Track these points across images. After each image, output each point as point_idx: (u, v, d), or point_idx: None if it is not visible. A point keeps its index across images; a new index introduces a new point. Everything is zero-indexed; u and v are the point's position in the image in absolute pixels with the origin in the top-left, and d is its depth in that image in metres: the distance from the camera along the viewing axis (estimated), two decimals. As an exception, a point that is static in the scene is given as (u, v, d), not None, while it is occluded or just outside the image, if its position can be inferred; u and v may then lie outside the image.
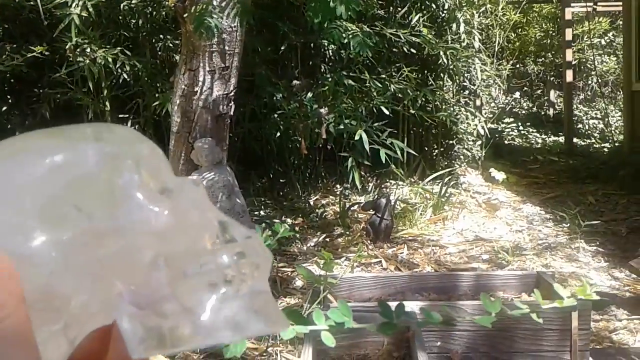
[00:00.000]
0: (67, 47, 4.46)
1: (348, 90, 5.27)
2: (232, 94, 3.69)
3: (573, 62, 9.71)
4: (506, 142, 9.41)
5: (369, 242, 4.26)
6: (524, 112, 11.80)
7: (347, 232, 4.51)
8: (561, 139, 9.47)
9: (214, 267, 0.29)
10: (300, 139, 5.09)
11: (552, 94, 11.69)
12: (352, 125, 4.98)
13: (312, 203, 5.48)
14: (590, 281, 3.52)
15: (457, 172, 6.22)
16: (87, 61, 4.51)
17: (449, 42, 6.08)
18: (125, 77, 4.90)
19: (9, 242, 0.26)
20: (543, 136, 10.06)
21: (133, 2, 4.84)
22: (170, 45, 5.13)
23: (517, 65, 11.28)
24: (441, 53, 5.77)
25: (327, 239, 4.40)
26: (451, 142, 6.55)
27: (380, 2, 5.97)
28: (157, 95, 4.84)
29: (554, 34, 11.39)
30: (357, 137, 4.73)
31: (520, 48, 11.00)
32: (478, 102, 7.23)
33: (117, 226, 0.28)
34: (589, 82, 11.48)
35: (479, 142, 6.64)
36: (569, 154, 8.42)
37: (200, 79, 3.56)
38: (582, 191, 6.02)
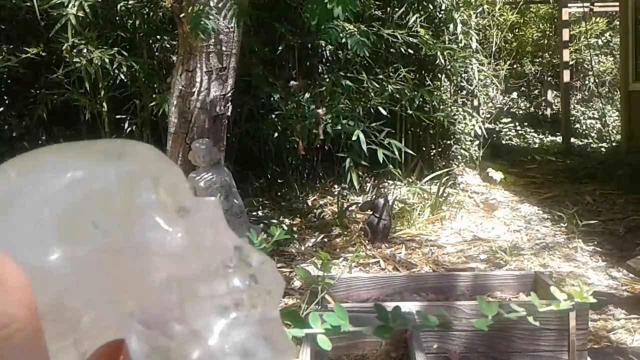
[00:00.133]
0: (63, 47, 4.45)
1: (345, 90, 5.27)
2: (230, 94, 3.68)
3: (570, 63, 9.72)
4: (504, 142, 9.41)
5: (366, 242, 4.25)
6: (521, 112, 11.81)
7: (345, 233, 4.50)
8: (559, 139, 9.49)
9: (226, 290, 0.29)
10: (297, 140, 5.09)
11: (550, 94, 11.71)
12: (349, 125, 4.98)
13: (309, 203, 5.47)
14: (588, 281, 3.52)
15: (455, 172, 6.22)
16: (84, 62, 4.51)
17: (447, 42, 6.08)
18: (122, 77, 4.89)
19: (25, 255, 0.26)
20: (540, 136, 10.07)
21: (130, 2, 4.83)
22: (167, 45, 5.12)
23: (515, 66, 11.29)
24: (438, 53, 5.77)
25: (325, 240, 4.40)
26: (449, 142, 6.55)
27: (377, 3, 5.97)
28: (154, 96, 4.84)
29: (551, 34, 11.41)
30: (354, 138, 4.73)
31: (517, 48, 11.02)
32: (475, 103, 7.24)
33: (131, 245, 0.28)
34: (586, 82, 11.50)
35: (477, 142, 6.65)
36: (566, 154, 8.43)
37: (197, 80, 3.56)
38: (579, 191, 6.02)
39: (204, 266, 0.29)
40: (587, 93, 11.59)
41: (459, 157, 6.59)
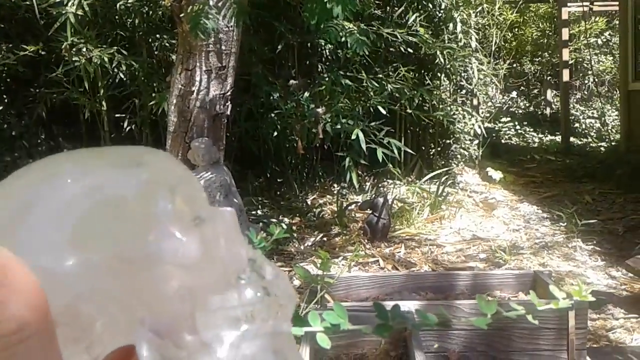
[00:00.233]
0: (63, 46, 4.45)
1: (345, 89, 5.27)
2: (229, 93, 3.68)
3: (570, 62, 9.73)
4: (503, 141, 9.42)
5: (366, 241, 4.25)
6: (520, 111, 11.81)
7: (345, 232, 4.51)
8: (558, 138, 9.49)
9: (238, 302, 0.29)
10: (297, 139, 5.09)
11: (549, 94, 11.71)
12: (349, 124, 4.98)
13: (309, 202, 5.48)
14: (587, 280, 3.53)
15: (454, 172, 6.23)
16: (83, 60, 4.50)
17: (446, 41, 6.08)
18: (122, 76, 4.89)
19: (40, 260, 0.26)
20: (540, 135, 10.07)
21: (129, 1, 4.83)
22: (167, 44, 5.12)
23: (514, 65, 11.29)
24: (438, 52, 5.77)
25: (325, 239, 4.40)
26: (448, 141, 6.55)
27: (377, 2, 5.97)
28: (153, 94, 4.83)
29: (550, 33, 11.41)
30: (354, 137, 4.73)
31: (517, 47, 11.02)
32: (475, 102, 7.24)
33: (145, 254, 0.28)
34: (586, 81, 11.51)
35: (476, 142, 6.65)
36: (565, 153, 8.43)
37: (196, 79, 3.56)
38: (579, 190, 6.03)
39: (217, 277, 0.29)
40: (586, 92, 11.60)
41: (459, 156, 6.59)
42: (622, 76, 7.44)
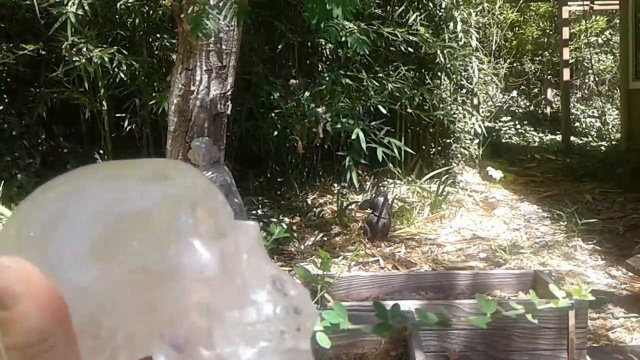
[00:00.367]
0: (63, 46, 4.45)
1: (345, 89, 5.26)
2: (229, 93, 3.68)
3: (570, 61, 9.72)
4: (503, 140, 9.41)
5: (366, 241, 4.26)
6: (521, 110, 11.81)
7: (345, 231, 4.51)
8: (558, 138, 9.49)
9: (257, 319, 0.29)
10: (297, 138, 5.09)
11: (549, 93, 11.71)
12: (349, 124, 4.98)
13: (309, 202, 5.48)
14: (587, 279, 3.53)
15: (455, 171, 6.23)
16: (84, 60, 4.51)
17: (446, 40, 6.08)
18: (122, 76, 4.89)
19: (65, 272, 0.27)
20: (540, 134, 10.07)
21: (129, 1, 4.83)
22: (167, 44, 5.12)
23: (515, 64, 11.29)
24: (438, 52, 5.77)
25: (325, 238, 4.40)
26: (448, 140, 6.55)
27: (377, 1, 5.97)
28: (153, 94, 4.83)
29: (551, 32, 11.40)
30: (354, 136, 4.73)
31: (517, 47, 11.01)
32: (475, 101, 7.24)
33: (166, 268, 0.28)
34: (586, 80, 11.50)
35: (477, 141, 6.64)
36: (566, 153, 8.43)
37: (197, 78, 3.56)
38: (579, 189, 6.03)
39: (237, 292, 0.29)
40: (586, 91, 11.59)
41: (459, 155, 6.59)
42: (622, 75, 7.43)
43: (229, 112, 3.75)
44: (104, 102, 5.05)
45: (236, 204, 3.37)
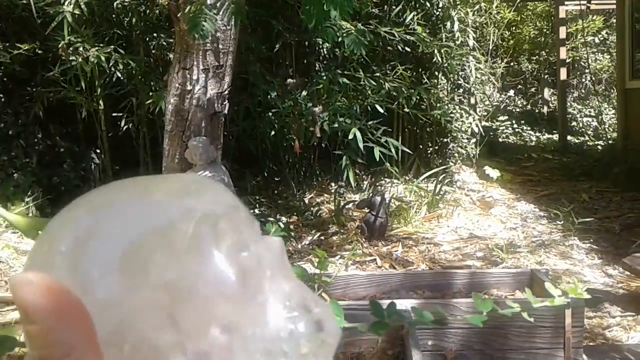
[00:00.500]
0: (59, 45, 4.44)
1: (342, 88, 5.26)
2: (226, 92, 3.68)
3: (567, 60, 9.73)
4: (500, 140, 9.43)
5: (363, 240, 4.26)
6: (518, 110, 11.82)
7: (342, 230, 4.51)
8: (555, 137, 9.50)
9: (278, 335, 0.29)
10: (294, 138, 5.09)
11: (546, 92, 11.72)
12: (346, 123, 4.98)
13: (306, 201, 5.48)
14: (584, 278, 3.54)
15: (452, 170, 6.23)
16: (80, 60, 4.50)
17: (444, 40, 6.08)
18: (119, 75, 4.88)
19: (91, 287, 0.27)
20: (537, 134, 10.08)
21: (126, 0, 4.82)
22: (164, 43, 5.11)
23: (511, 63, 11.30)
24: (435, 51, 5.77)
25: (322, 237, 4.40)
26: (446, 140, 6.56)
27: (374, 1, 5.97)
28: (150, 93, 4.83)
29: (548, 32, 11.41)
30: (351, 136, 4.73)
31: (514, 46, 11.03)
32: (472, 100, 7.24)
33: (188, 283, 0.28)
34: (583, 80, 11.52)
35: (474, 140, 6.65)
36: (562, 152, 8.45)
37: (194, 78, 3.55)
38: (575, 189, 6.04)
39: (258, 308, 0.29)
40: (583, 91, 11.61)
41: (456, 154, 6.59)
42: (619, 74, 7.45)
43: (226, 111, 3.75)
44: (100, 102, 5.05)
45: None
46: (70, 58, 4.52)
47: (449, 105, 6.43)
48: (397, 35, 5.47)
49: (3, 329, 2.81)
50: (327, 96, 5.25)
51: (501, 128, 9.91)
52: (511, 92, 12.20)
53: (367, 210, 4.33)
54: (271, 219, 4.44)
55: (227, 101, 3.71)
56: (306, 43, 5.83)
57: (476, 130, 6.43)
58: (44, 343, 0.26)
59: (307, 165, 5.97)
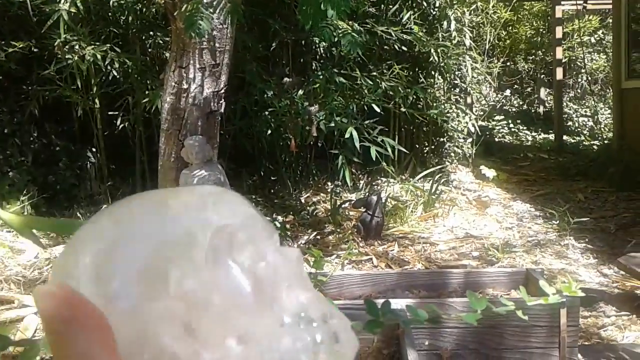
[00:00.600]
0: (55, 43, 4.43)
1: (339, 87, 5.26)
2: (223, 91, 3.67)
3: (563, 60, 9.76)
4: (497, 139, 9.44)
5: (359, 239, 4.26)
6: (514, 109, 11.85)
7: (338, 230, 4.51)
8: (551, 137, 9.53)
9: (293, 346, 0.29)
10: (291, 137, 5.08)
11: (543, 92, 11.74)
12: (342, 122, 4.98)
13: (303, 201, 5.48)
14: (579, 278, 3.55)
15: (448, 170, 6.24)
16: (76, 58, 4.48)
17: (440, 39, 6.09)
18: (115, 74, 4.87)
19: (112, 298, 0.28)
20: (533, 133, 10.11)
21: (123, -2, 4.81)
22: (160, 42, 5.10)
23: (508, 63, 11.32)
24: (432, 51, 5.77)
25: (318, 237, 4.40)
26: (442, 139, 6.56)
27: (371, 0, 5.97)
28: (147, 92, 4.82)
29: (544, 31, 11.44)
30: (347, 135, 4.73)
31: (510, 46, 11.04)
32: (469, 100, 7.25)
33: (204, 293, 0.29)
34: (579, 79, 11.55)
35: (470, 140, 6.66)
36: (558, 152, 8.47)
37: (190, 76, 3.55)
38: (571, 188, 6.05)
39: (274, 319, 0.29)
40: (579, 91, 11.64)
41: (452, 154, 6.60)
42: (615, 74, 7.47)
43: (222, 110, 3.74)
44: (96, 100, 5.03)
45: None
46: (66, 56, 4.51)
47: (446, 104, 6.44)
48: (393, 35, 5.47)
49: (-2, 328, 2.81)
50: (324, 95, 5.25)
51: (497, 128, 9.92)
52: (507, 92, 12.23)
53: (363, 210, 4.34)
54: (267, 218, 4.43)
55: (223, 100, 3.71)
56: (303, 42, 5.83)
57: (472, 129, 6.44)
58: (65, 353, 0.26)
59: (304, 165, 5.97)
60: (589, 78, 11.03)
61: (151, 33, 5.14)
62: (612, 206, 5.30)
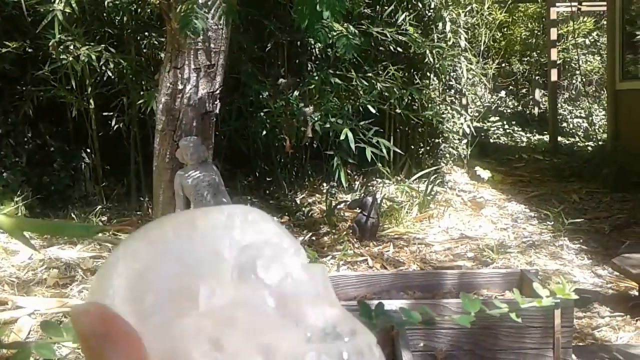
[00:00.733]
0: (50, 44, 4.41)
1: (334, 88, 5.26)
2: (218, 92, 3.67)
3: (558, 62, 9.79)
4: (491, 140, 9.46)
5: (355, 240, 4.26)
6: (509, 110, 11.87)
7: (333, 231, 4.51)
8: (546, 138, 9.55)
9: None
10: (286, 138, 5.08)
11: (537, 93, 11.78)
12: (338, 123, 4.98)
13: (298, 201, 5.48)
14: (574, 279, 3.56)
15: (443, 171, 6.25)
16: (71, 58, 4.47)
17: (435, 40, 6.10)
18: (110, 74, 4.86)
19: (146, 316, 0.30)
20: (528, 135, 10.13)
21: (117, -1, 4.80)
22: (155, 42, 5.09)
23: (503, 64, 11.34)
24: (427, 52, 5.78)
25: (314, 238, 4.40)
26: (437, 140, 6.58)
27: (367, 1, 5.97)
28: (141, 93, 4.81)
29: (539, 33, 11.47)
30: (342, 136, 4.73)
31: (505, 47, 11.07)
32: (464, 101, 7.27)
33: (232, 311, 0.29)
34: (574, 81, 11.58)
35: (465, 141, 6.67)
36: (553, 153, 8.49)
37: (185, 77, 3.54)
38: (566, 189, 6.07)
39: (299, 336, 0.29)
40: (574, 92, 11.68)
41: (447, 155, 6.61)
42: (609, 76, 7.50)
43: (217, 111, 3.74)
44: (91, 101, 5.02)
45: (224, 203, 3.36)
46: (61, 57, 4.49)
47: (441, 105, 6.45)
48: (389, 36, 5.48)
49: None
50: (319, 96, 5.25)
51: (492, 129, 9.94)
52: (502, 93, 12.25)
53: (359, 211, 4.34)
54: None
55: (218, 101, 3.70)
56: (298, 43, 5.83)
57: (467, 130, 6.45)
58: None
59: (299, 166, 5.97)
60: (584, 79, 11.07)
61: (146, 33, 5.13)
62: (607, 207, 5.32)
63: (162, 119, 3.59)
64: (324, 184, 5.85)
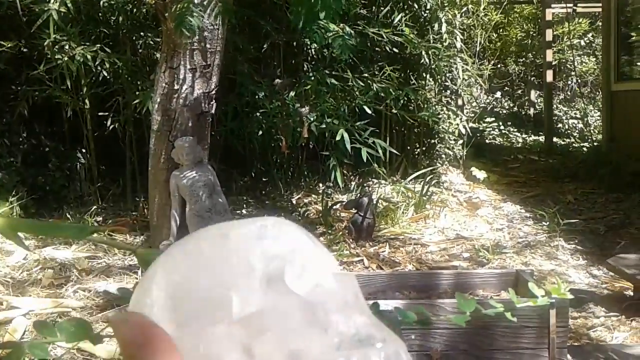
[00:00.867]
0: (45, 43, 4.40)
1: (330, 89, 5.26)
2: (214, 92, 3.67)
3: (553, 63, 9.81)
4: (487, 141, 9.48)
5: (351, 240, 4.26)
6: (505, 111, 11.89)
7: (330, 231, 4.51)
8: (541, 139, 9.57)
9: None
10: (282, 138, 5.08)
11: (533, 94, 11.80)
12: (334, 124, 4.98)
13: (294, 202, 5.47)
14: (569, 279, 3.57)
15: (439, 171, 6.26)
16: (66, 58, 4.46)
17: (431, 41, 6.10)
18: (105, 74, 4.84)
19: (183, 326, 0.31)
20: (523, 135, 10.15)
21: (113, -2, 4.79)
22: (151, 42, 5.08)
23: (499, 65, 11.35)
24: (423, 52, 5.79)
25: (309, 238, 4.39)
26: (433, 141, 6.58)
27: (363, 2, 5.98)
28: (137, 93, 4.79)
29: (534, 34, 11.49)
30: (338, 137, 4.73)
31: (501, 48, 11.08)
32: (460, 102, 7.28)
33: (262, 318, 0.30)
34: (569, 82, 11.62)
35: (461, 142, 6.68)
36: (548, 153, 8.51)
37: (181, 77, 3.53)
38: (561, 190, 6.09)
39: (328, 344, 0.30)
40: (569, 93, 11.71)
41: (443, 156, 6.62)
42: (604, 77, 7.52)
43: (213, 111, 3.73)
44: (86, 101, 5.00)
45: (220, 204, 3.35)
46: (56, 56, 4.48)
47: (437, 106, 6.46)
48: (385, 37, 5.48)
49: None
50: (315, 97, 5.25)
51: (488, 129, 9.96)
52: (498, 94, 12.28)
53: (355, 211, 4.34)
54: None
55: (214, 101, 3.70)
56: (294, 43, 5.83)
57: (463, 131, 6.46)
58: None
59: (295, 166, 5.96)
60: (579, 80, 11.11)
61: (142, 33, 5.12)
62: (602, 207, 5.33)
63: (157, 119, 3.58)
64: (320, 185, 5.85)
